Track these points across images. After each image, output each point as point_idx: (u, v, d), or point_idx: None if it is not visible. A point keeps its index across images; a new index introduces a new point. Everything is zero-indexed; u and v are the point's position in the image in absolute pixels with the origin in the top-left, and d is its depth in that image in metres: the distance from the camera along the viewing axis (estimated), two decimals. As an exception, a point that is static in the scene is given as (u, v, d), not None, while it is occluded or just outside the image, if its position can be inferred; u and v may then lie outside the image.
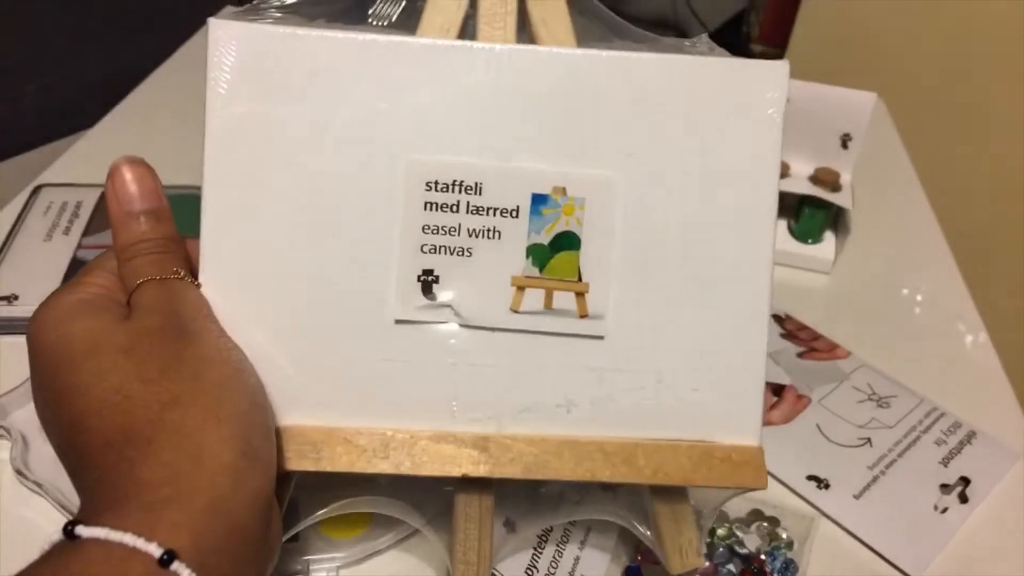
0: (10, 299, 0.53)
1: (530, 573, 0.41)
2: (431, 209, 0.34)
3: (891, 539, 0.46)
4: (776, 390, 0.54)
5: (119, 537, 0.24)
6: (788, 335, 0.59)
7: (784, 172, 0.67)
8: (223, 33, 0.33)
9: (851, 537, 0.46)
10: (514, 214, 0.34)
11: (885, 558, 0.45)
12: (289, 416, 0.34)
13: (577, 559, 0.42)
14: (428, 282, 0.34)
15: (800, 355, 0.57)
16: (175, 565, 0.24)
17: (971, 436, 0.51)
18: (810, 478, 0.49)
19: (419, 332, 0.34)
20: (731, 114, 0.35)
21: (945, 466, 0.49)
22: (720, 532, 0.44)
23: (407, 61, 0.34)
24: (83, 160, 0.72)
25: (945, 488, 0.48)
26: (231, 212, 0.34)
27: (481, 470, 0.34)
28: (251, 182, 0.34)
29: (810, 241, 0.67)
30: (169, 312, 0.31)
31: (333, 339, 0.34)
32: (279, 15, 0.35)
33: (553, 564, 0.42)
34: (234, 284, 0.34)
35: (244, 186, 0.34)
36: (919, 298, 0.65)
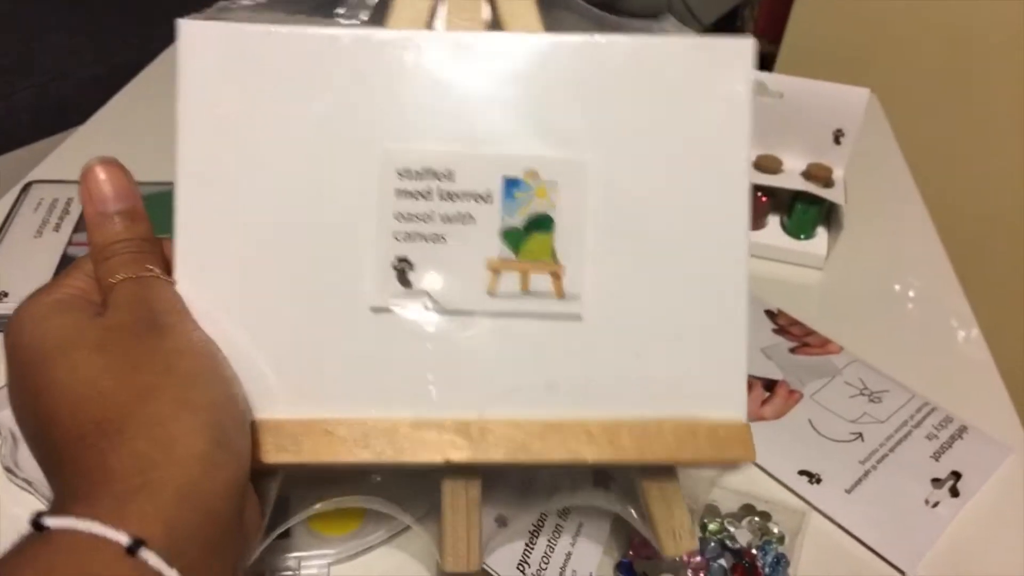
0: (0, 296, 0.53)
1: (522, 569, 0.41)
2: (403, 197, 0.34)
3: (882, 533, 0.46)
4: (768, 385, 0.54)
5: (87, 526, 0.24)
6: (780, 330, 0.59)
7: (777, 168, 0.67)
8: (193, 32, 0.34)
9: (842, 531, 0.46)
10: (487, 199, 0.34)
11: (876, 552, 0.45)
12: (267, 410, 0.34)
13: (569, 554, 0.42)
14: (403, 269, 0.34)
15: (792, 350, 0.57)
16: (144, 553, 0.24)
17: (962, 431, 0.51)
18: (802, 473, 0.49)
19: (396, 319, 0.34)
20: (699, 92, 0.35)
21: (936, 460, 0.49)
22: (712, 527, 0.44)
23: (376, 53, 0.34)
24: (73, 157, 0.72)
25: (936, 482, 0.48)
26: (204, 209, 0.34)
27: (463, 455, 0.34)
28: (223, 179, 0.34)
29: (803, 237, 0.68)
30: (142, 308, 0.31)
31: (310, 330, 0.34)
32: (249, 14, 0.35)
33: (544, 560, 0.42)
34: (209, 280, 0.34)
35: (216, 183, 0.34)
36: (912, 294, 0.65)
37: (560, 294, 0.35)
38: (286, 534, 0.42)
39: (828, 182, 0.66)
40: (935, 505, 0.47)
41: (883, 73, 1.13)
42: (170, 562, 0.24)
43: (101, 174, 0.33)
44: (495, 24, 0.36)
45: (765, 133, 0.67)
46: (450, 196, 0.34)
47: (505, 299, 0.35)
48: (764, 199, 0.67)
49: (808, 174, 0.67)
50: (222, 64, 0.34)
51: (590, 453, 0.34)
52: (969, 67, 1.12)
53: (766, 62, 1.21)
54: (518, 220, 0.35)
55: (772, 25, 1.32)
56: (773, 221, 0.69)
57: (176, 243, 0.34)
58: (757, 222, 0.68)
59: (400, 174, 0.34)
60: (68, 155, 0.72)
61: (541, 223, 0.35)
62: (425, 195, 0.34)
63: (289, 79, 0.34)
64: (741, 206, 0.36)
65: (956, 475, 0.49)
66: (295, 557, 0.42)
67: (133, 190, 0.33)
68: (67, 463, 0.27)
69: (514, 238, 0.35)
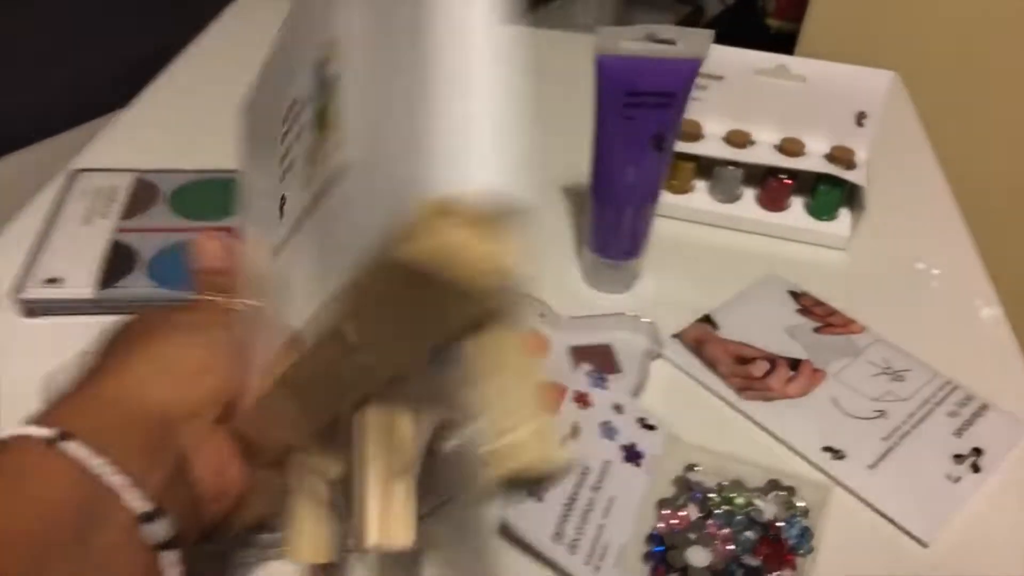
0: (55, 281, 0.55)
1: (556, 539, 0.43)
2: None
3: (904, 507, 0.47)
4: (793, 364, 0.55)
5: (22, 428, 0.27)
6: (804, 311, 0.60)
7: (800, 150, 0.68)
8: None
9: (865, 506, 0.48)
10: None
11: (898, 525, 0.47)
12: None
13: (601, 526, 0.44)
14: None
15: (816, 330, 0.58)
16: (64, 444, 0.27)
17: (984, 408, 0.53)
18: (826, 449, 0.50)
19: None
20: None
21: (958, 437, 0.51)
22: (738, 501, 0.46)
23: None
24: (119, 143, 0.73)
25: (958, 458, 0.50)
26: None
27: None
28: None
29: (825, 218, 0.69)
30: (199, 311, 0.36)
31: None
32: None
33: (579, 531, 0.44)
34: None
35: None
36: (934, 273, 0.66)
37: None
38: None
39: (851, 164, 0.67)
40: (957, 480, 0.49)
41: (907, 54, 1.13)
42: (96, 452, 0.27)
43: (207, 243, 0.39)
44: None
45: (788, 116, 0.68)
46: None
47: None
48: (788, 181, 0.68)
49: (831, 156, 0.68)
50: None
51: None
52: (993, 48, 1.11)
53: (787, 43, 1.21)
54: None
55: (793, 5, 1.32)
56: (796, 203, 0.70)
57: None
58: (780, 204, 0.69)
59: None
60: (113, 141, 0.73)
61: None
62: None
63: None
64: None
65: (977, 451, 0.50)
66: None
67: (231, 255, 0.38)
68: None
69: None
